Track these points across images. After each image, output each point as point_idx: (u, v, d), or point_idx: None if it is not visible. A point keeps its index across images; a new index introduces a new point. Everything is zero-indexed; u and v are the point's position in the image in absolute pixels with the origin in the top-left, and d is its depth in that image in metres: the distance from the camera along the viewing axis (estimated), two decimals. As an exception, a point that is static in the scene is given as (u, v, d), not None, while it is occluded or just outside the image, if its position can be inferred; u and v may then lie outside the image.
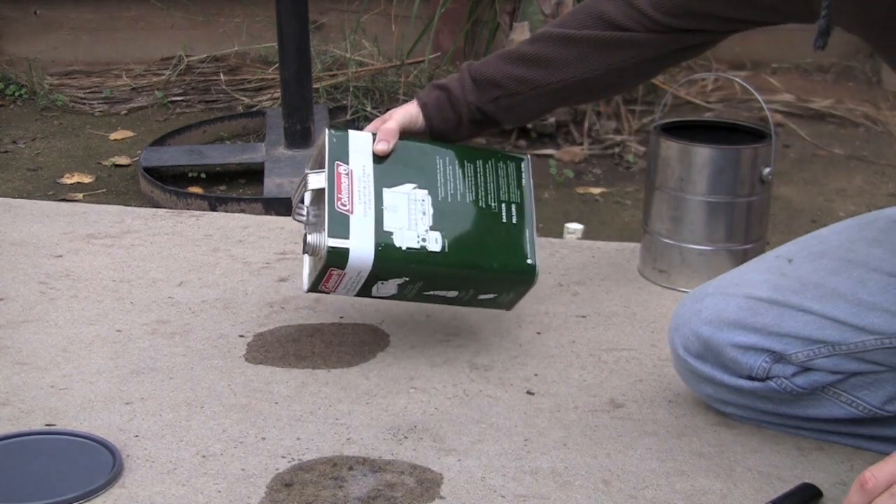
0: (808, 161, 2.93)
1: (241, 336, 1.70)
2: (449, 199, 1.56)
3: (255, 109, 3.23)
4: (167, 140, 2.94)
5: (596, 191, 2.69)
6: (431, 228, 1.53)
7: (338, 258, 1.48)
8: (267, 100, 3.31)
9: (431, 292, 1.57)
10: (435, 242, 1.52)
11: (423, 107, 1.62)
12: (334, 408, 1.50)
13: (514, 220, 1.58)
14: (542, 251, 2.02)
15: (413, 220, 1.52)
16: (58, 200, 2.54)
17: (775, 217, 2.44)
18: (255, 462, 1.37)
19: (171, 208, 2.39)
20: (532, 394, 1.54)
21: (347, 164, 1.52)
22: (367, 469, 1.36)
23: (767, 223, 1.90)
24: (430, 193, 1.55)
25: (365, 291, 1.55)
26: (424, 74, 3.18)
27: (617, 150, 2.91)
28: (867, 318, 1.32)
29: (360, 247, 1.48)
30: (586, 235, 2.24)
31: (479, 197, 1.58)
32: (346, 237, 1.47)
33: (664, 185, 1.86)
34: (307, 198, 1.58)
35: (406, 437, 1.43)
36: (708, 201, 1.83)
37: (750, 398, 1.41)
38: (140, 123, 3.22)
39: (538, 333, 1.72)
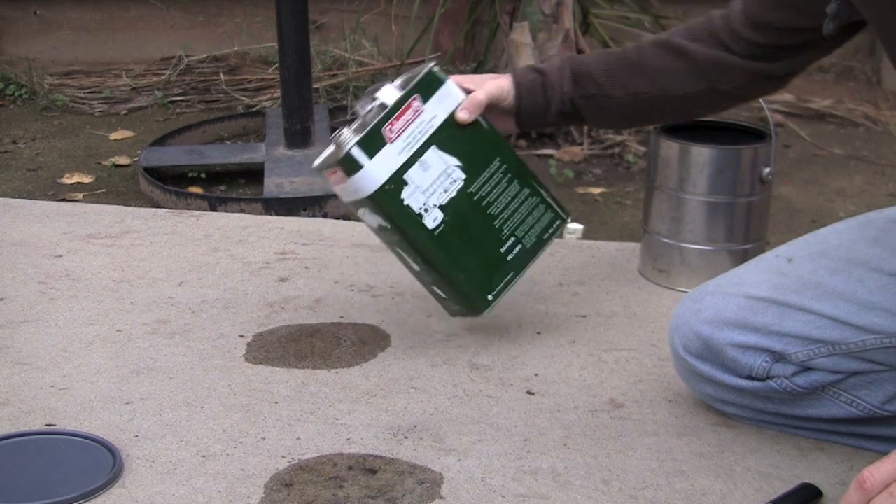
0: (808, 161, 2.93)
1: (241, 336, 1.70)
2: (474, 198, 1.55)
3: (255, 109, 3.23)
4: (167, 140, 2.94)
5: (596, 191, 2.70)
6: (440, 207, 1.53)
7: (349, 166, 1.48)
8: (267, 100, 3.31)
9: (401, 252, 1.58)
10: (433, 221, 1.52)
11: (517, 86, 1.59)
12: (334, 408, 1.50)
13: (509, 258, 1.58)
14: (542, 251, 2.02)
15: (433, 188, 1.52)
16: (58, 200, 2.54)
17: (775, 217, 2.44)
18: (254, 462, 1.37)
19: (171, 208, 2.40)
20: (532, 394, 1.54)
21: (424, 104, 1.52)
22: (368, 469, 1.36)
23: (767, 223, 1.90)
24: (465, 180, 1.54)
25: (353, 206, 1.56)
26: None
27: (617, 150, 2.91)
28: (867, 317, 1.32)
29: (373, 173, 1.48)
30: (586, 235, 2.24)
31: (500, 217, 1.57)
32: (370, 157, 1.48)
33: (664, 185, 1.86)
34: (375, 100, 1.56)
35: (406, 437, 1.43)
36: (708, 201, 1.83)
37: (750, 398, 1.41)
38: (140, 123, 3.22)
39: (538, 333, 1.72)
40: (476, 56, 3.38)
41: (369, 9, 3.38)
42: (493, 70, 3.17)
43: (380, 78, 3.25)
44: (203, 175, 2.76)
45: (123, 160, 2.91)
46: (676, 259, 1.88)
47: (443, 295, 1.60)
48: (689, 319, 1.40)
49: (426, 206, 1.52)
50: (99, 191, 2.71)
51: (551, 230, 1.61)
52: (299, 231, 2.13)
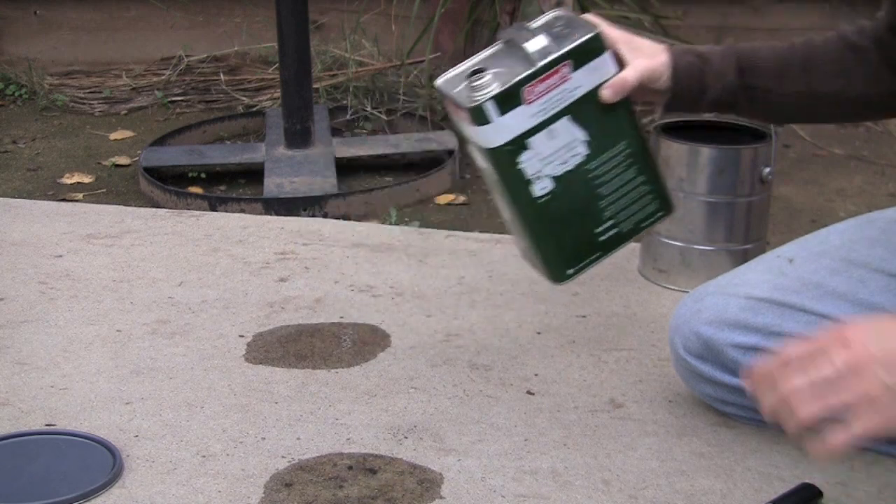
0: (808, 161, 2.93)
1: (241, 336, 1.70)
2: (589, 176, 1.44)
3: (255, 109, 3.23)
4: (167, 140, 2.94)
5: (596, 191, 2.69)
6: (553, 178, 1.42)
7: (476, 117, 1.37)
8: (267, 100, 3.30)
9: (498, 198, 1.50)
10: (541, 189, 1.42)
11: (674, 68, 1.46)
12: (334, 408, 1.50)
13: (601, 239, 1.48)
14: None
15: (552, 158, 1.42)
16: (58, 200, 2.54)
17: (775, 217, 2.44)
18: (254, 462, 1.37)
19: (171, 208, 2.39)
20: (532, 394, 1.54)
21: (573, 72, 1.39)
22: (367, 469, 1.36)
23: (767, 223, 1.90)
24: (586, 157, 1.44)
25: (467, 141, 1.47)
26: (424, 74, 3.18)
27: (617, 150, 2.90)
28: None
29: (499, 130, 1.38)
30: (586, 235, 2.24)
31: (607, 199, 1.47)
32: (500, 114, 1.37)
33: (664, 185, 1.86)
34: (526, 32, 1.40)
35: (406, 437, 1.43)
36: (708, 201, 1.83)
37: (750, 398, 1.40)
38: (140, 123, 3.22)
39: (538, 333, 1.72)
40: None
41: (369, 9, 3.38)
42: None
43: (380, 78, 3.25)
44: (203, 175, 2.76)
45: (123, 160, 2.90)
46: (676, 259, 1.88)
47: (522, 245, 1.53)
48: (689, 319, 1.40)
49: (539, 174, 1.42)
50: (99, 191, 2.71)
51: (651, 220, 1.51)
52: (299, 231, 2.13)
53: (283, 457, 1.38)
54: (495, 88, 1.37)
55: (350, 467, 1.36)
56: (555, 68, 1.38)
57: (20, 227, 2.14)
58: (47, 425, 1.45)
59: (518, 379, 1.58)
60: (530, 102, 1.38)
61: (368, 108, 3.11)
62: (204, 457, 1.38)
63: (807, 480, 1.32)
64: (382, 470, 1.35)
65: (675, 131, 1.88)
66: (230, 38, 3.59)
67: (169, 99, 3.36)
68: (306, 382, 1.57)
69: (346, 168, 2.73)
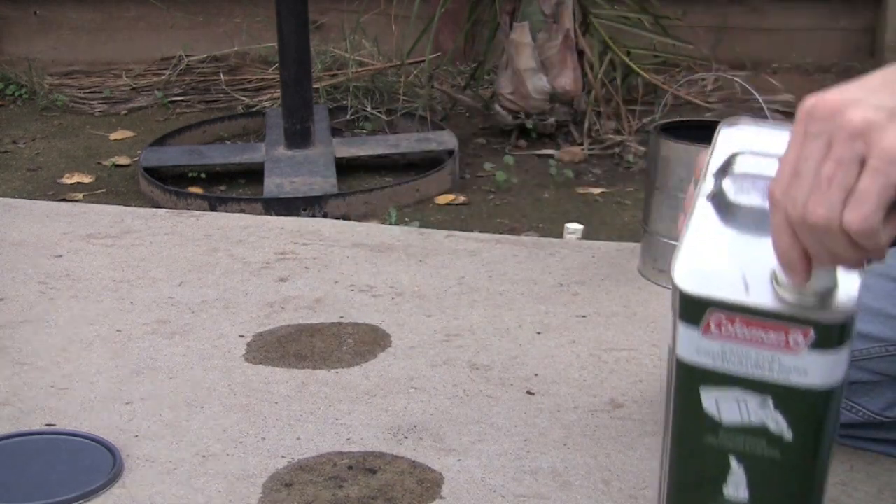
0: (808, 161, 2.93)
1: (241, 336, 1.70)
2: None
3: (255, 109, 3.23)
4: (167, 140, 2.94)
5: (596, 191, 2.69)
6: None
7: (830, 336, 0.84)
8: (267, 100, 3.31)
9: (741, 469, 0.97)
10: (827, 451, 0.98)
11: None
12: (334, 408, 1.50)
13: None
14: (543, 251, 2.02)
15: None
16: (58, 200, 2.54)
17: (775, 217, 2.44)
18: (254, 462, 1.37)
19: (171, 208, 2.40)
20: (532, 394, 1.54)
21: None
22: (368, 469, 1.36)
23: (767, 223, 1.89)
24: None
25: (724, 382, 0.88)
26: (424, 74, 3.18)
27: (617, 150, 2.91)
28: (871, 324, 1.31)
29: (842, 357, 0.86)
30: (586, 235, 2.24)
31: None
32: (851, 335, 0.86)
33: (664, 185, 1.86)
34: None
35: (406, 437, 1.43)
36: (708, 201, 1.83)
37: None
38: (140, 123, 3.22)
39: (538, 333, 1.72)
40: (476, 56, 3.39)
41: (369, 9, 3.38)
42: (493, 70, 3.17)
43: (380, 78, 3.24)
44: (203, 175, 2.76)
45: (123, 160, 2.91)
46: (676, 259, 1.87)
47: None
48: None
49: (836, 423, 0.95)
50: (99, 191, 2.71)
51: None
52: (299, 231, 2.13)
53: (282, 457, 1.38)
54: (837, 284, 0.85)
55: (350, 467, 1.36)
56: None
57: (20, 227, 2.14)
58: (47, 425, 1.45)
59: (518, 379, 1.58)
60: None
61: (368, 108, 3.11)
62: (204, 457, 1.38)
63: (807, 480, 1.32)
64: (382, 470, 1.36)
65: (675, 131, 1.88)
66: (230, 38, 3.60)
67: (169, 99, 3.36)
68: (306, 382, 1.57)
69: (346, 168, 2.74)
